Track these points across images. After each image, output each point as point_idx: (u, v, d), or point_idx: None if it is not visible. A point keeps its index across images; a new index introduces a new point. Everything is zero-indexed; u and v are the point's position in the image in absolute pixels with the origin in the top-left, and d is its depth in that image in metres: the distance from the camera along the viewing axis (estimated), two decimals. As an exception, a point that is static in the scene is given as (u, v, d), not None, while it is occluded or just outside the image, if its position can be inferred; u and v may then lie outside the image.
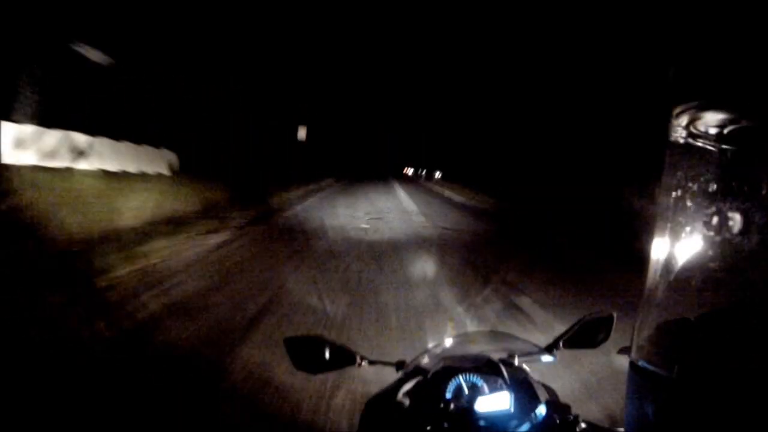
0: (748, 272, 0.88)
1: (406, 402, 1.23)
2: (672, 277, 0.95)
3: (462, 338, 1.53)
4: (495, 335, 1.48)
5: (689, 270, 0.93)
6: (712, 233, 0.91)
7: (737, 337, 0.87)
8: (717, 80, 0.69)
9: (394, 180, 37.53)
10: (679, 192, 0.91)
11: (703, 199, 0.90)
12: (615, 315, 1.30)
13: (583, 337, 1.29)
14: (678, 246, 0.96)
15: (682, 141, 0.84)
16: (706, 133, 0.85)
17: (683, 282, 0.94)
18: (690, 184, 0.90)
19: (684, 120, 0.81)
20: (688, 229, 0.95)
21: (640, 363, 0.93)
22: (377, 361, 1.36)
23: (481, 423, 1.12)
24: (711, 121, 0.80)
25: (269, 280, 5.09)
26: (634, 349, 0.96)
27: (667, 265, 0.96)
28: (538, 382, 1.23)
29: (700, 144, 0.84)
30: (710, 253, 0.91)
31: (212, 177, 12.55)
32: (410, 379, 1.31)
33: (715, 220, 0.93)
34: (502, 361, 1.30)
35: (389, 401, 1.27)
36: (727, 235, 0.91)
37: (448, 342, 1.47)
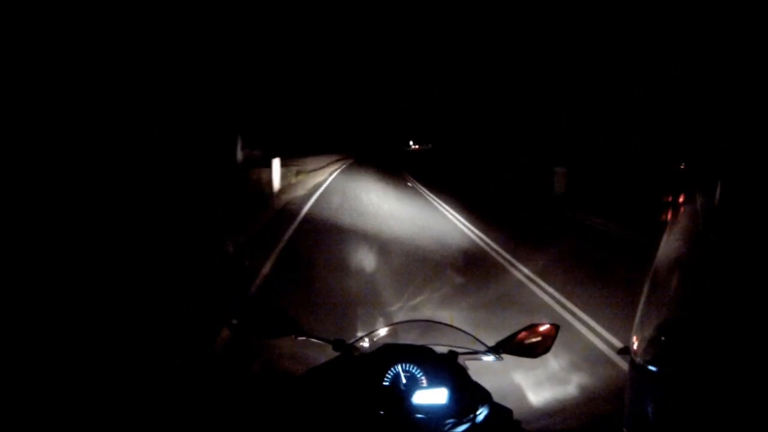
0: (746, 274, 0.87)
1: (342, 383, 1.17)
2: (672, 278, 0.91)
3: (404, 326, 1.47)
4: (440, 327, 1.40)
5: (689, 272, 0.92)
6: (711, 236, 0.90)
7: (736, 337, 0.84)
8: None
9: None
10: (683, 196, 0.90)
11: (705, 202, 0.89)
12: (559, 326, 1.30)
13: (528, 343, 1.27)
14: (678, 248, 0.95)
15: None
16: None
17: (683, 283, 0.93)
18: (693, 188, 0.89)
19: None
20: (688, 231, 0.94)
21: (640, 363, 0.93)
22: (315, 336, 1.30)
23: (418, 416, 1.08)
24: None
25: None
26: (634, 349, 0.98)
27: (668, 267, 0.93)
28: (477, 383, 1.20)
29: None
30: (710, 255, 0.90)
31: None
32: (347, 361, 1.26)
33: (715, 223, 0.92)
34: (444, 356, 1.26)
35: (324, 379, 1.21)
36: (727, 238, 0.90)
37: (390, 329, 1.42)
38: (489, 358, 1.30)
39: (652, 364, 0.89)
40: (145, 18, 10.88)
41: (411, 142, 63.09)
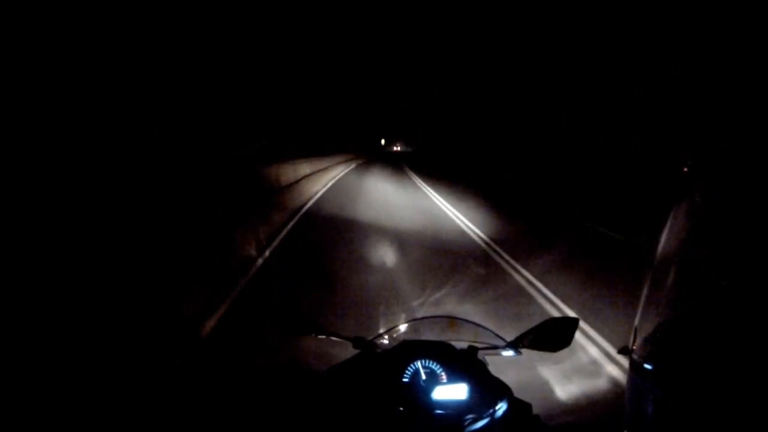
0: (746, 275, 0.86)
1: (362, 380, 1.18)
2: (671, 279, 0.91)
3: (424, 322, 1.47)
4: (459, 323, 1.40)
5: (688, 272, 0.92)
6: (711, 237, 0.90)
7: (736, 338, 0.84)
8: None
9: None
10: (683, 198, 0.90)
11: (705, 204, 0.89)
12: (579, 319, 1.28)
13: (548, 337, 1.26)
14: (678, 249, 0.95)
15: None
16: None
17: (683, 283, 0.93)
18: (694, 183, 0.89)
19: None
20: (688, 233, 0.94)
21: (640, 362, 0.93)
22: (334, 333, 1.31)
23: (438, 412, 1.08)
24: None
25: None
26: (633, 349, 0.97)
27: (667, 267, 0.93)
28: (497, 378, 1.20)
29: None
30: (710, 256, 0.89)
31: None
32: (367, 358, 1.26)
33: (714, 225, 0.92)
34: (463, 351, 1.27)
35: (344, 376, 1.21)
36: (727, 239, 0.89)
37: (409, 325, 1.42)
38: (508, 353, 1.29)
39: (651, 363, 0.89)
40: (145, 17, 10.91)
41: (383, 141, 56.21)
